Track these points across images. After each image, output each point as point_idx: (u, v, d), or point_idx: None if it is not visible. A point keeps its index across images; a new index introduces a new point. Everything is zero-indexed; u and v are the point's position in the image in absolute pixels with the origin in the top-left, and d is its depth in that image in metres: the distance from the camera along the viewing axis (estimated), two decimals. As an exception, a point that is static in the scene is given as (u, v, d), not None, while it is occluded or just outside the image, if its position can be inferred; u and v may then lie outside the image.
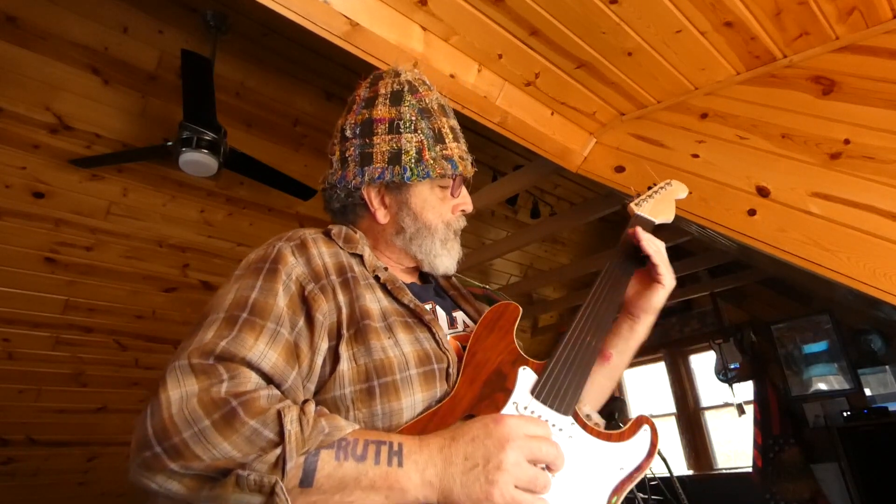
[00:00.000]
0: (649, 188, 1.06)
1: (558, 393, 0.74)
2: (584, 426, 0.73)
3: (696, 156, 1.87)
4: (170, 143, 2.38)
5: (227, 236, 3.34)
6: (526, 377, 0.75)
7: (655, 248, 0.87)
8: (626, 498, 0.71)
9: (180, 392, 0.60)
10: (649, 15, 1.57)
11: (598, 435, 0.73)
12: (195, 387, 0.61)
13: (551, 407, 0.73)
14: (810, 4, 1.50)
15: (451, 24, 1.60)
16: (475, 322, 0.88)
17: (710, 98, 1.88)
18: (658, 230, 1.04)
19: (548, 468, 0.67)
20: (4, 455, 3.34)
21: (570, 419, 0.73)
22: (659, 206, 1.01)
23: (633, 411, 5.50)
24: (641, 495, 4.05)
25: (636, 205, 1.00)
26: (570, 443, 0.71)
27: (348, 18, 1.42)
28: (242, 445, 0.58)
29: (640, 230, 0.88)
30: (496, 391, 0.74)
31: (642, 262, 0.90)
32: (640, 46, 1.69)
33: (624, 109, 2.07)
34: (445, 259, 0.90)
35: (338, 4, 1.39)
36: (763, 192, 1.70)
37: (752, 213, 1.71)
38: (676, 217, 2.04)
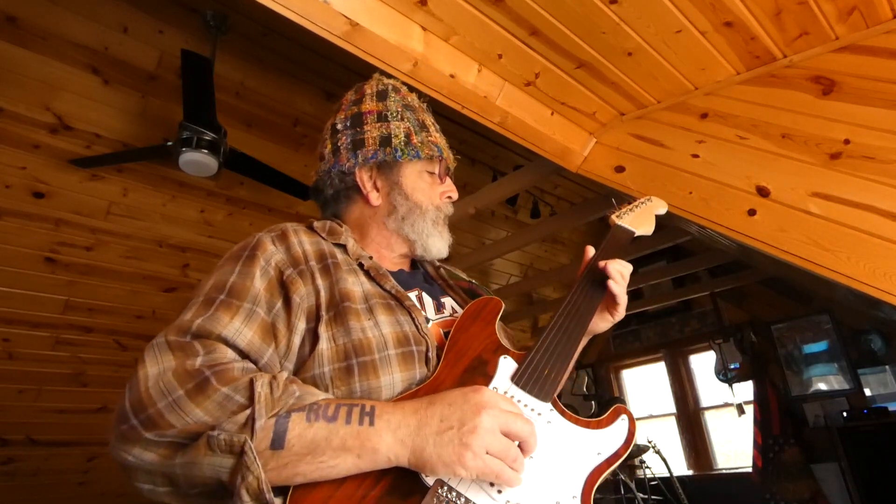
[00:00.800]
0: (630, 202, 1.11)
1: (538, 380, 0.76)
2: (563, 413, 0.75)
3: (696, 156, 1.87)
4: (170, 143, 2.38)
5: (227, 236, 3.34)
6: (507, 365, 0.78)
7: (620, 288, 0.88)
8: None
9: (158, 368, 0.62)
10: (649, 15, 1.57)
11: (577, 421, 0.75)
12: (172, 362, 0.62)
13: (531, 393, 0.75)
14: (810, 4, 1.50)
15: (451, 24, 1.60)
16: (462, 309, 0.91)
17: (710, 98, 1.88)
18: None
19: (521, 448, 0.67)
20: (4, 455, 3.34)
21: (548, 405, 0.75)
22: (639, 219, 1.06)
23: (633, 411, 5.49)
24: (641, 495, 4.06)
25: (617, 216, 1.05)
26: (549, 427, 0.73)
27: (348, 18, 1.42)
28: (214, 410, 0.59)
29: (609, 266, 0.87)
30: (477, 376, 0.75)
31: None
32: (640, 46, 1.69)
33: (624, 109, 2.07)
34: (437, 240, 0.94)
35: (338, 4, 1.39)
36: (763, 192, 1.70)
37: (752, 213, 1.71)
38: (676, 217, 2.04)
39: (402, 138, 0.92)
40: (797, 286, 4.12)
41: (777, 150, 1.70)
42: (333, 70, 2.95)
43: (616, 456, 0.72)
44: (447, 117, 3.17)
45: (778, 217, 1.66)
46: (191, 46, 2.38)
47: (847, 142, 1.58)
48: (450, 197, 0.99)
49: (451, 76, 1.69)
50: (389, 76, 1.04)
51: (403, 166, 0.92)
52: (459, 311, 0.93)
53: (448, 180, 0.99)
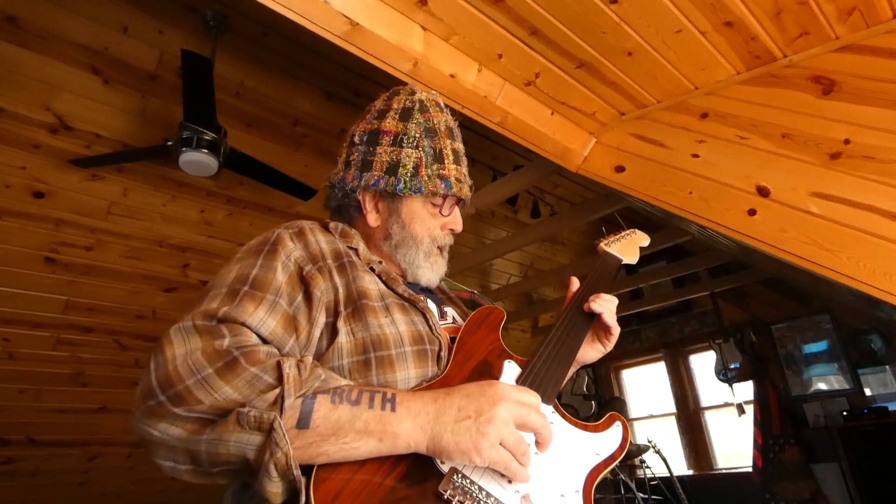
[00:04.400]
0: (616, 233, 1.19)
1: (540, 384, 0.79)
2: (564, 415, 0.80)
3: (696, 156, 1.87)
4: (170, 143, 2.38)
5: (227, 236, 3.34)
6: (511, 369, 0.81)
7: (612, 319, 0.91)
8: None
9: (185, 348, 0.63)
10: (649, 15, 1.57)
11: (576, 424, 0.80)
12: (199, 343, 0.64)
13: None
14: (810, 4, 1.50)
15: (451, 24, 1.60)
16: (463, 320, 0.94)
17: (710, 98, 1.88)
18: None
19: (536, 443, 0.71)
20: (4, 455, 3.34)
21: (550, 408, 0.79)
22: (626, 249, 1.13)
23: (633, 411, 5.50)
24: (641, 495, 4.07)
25: (606, 244, 1.11)
26: (551, 427, 0.76)
27: (348, 18, 1.43)
28: (243, 388, 0.61)
29: (594, 304, 0.91)
30: (483, 377, 0.78)
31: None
32: (640, 46, 1.69)
33: (624, 109, 2.07)
34: (427, 272, 0.95)
35: (338, 4, 1.39)
36: (763, 191, 1.70)
37: (752, 213, 1.71)
38: (677, 217, 2.04)
39: (410, 169, 0.91)
40: (797, 286, 4.12)
41: (777, 150, 1.70)
42: (333, 70, 2.95)
43: (612, 458, 0.78)
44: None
45: (778, 217, 1.66)
46: (191, 46, 2.37)
47: (847, 142, 1.58)
48: (452, 229, 0.97)
49: (452, 76, 1.69)
50: (426, 88, 1.02)
51: (405, 196, 0.92)
52: (460, 320, 0.96)
53: (455, 212, 0.97)
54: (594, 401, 5.43)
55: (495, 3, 1.52)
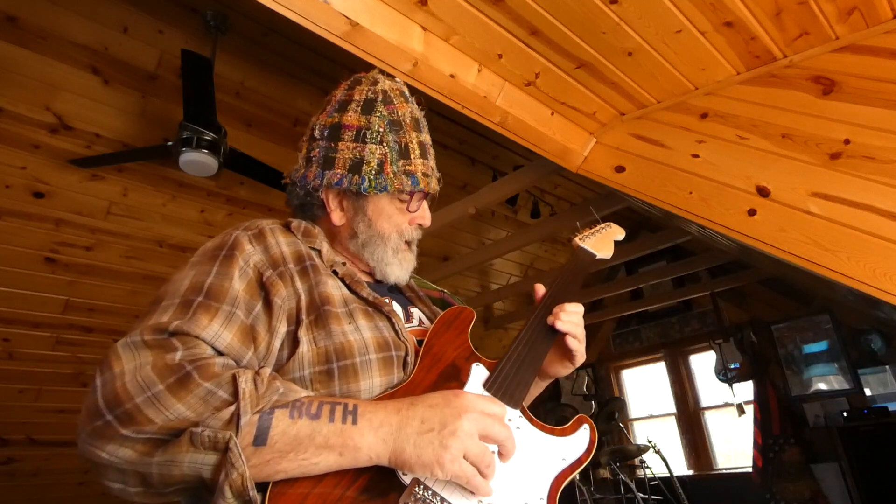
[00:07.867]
0: (591, 227, 1.16)
1: (508, 388, 0.78)
2: (531, 420, 0.78)
3: (696, 156, 1.87)
4: (170, 143, 2.38)
5: (227, 236, 3.33)
6: (479, 372, 0.80)
7: (577, 343, 0.86)
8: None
9: (134, 363, 0.60)
10: (649, 15, 1.57)
11: (543, 428, 0.79)
12: (150, 357, 0.60)
13: (501, 399, 0.77)
14: (810, 4, 1.50)
15: (451, 24, 1.60)
16: (430, 321, 0.91)
17: (710, 98, 1.88)
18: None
19: (499, 453, 0.69)
20: (4, 455, 3.34)
21: (517, 412, 0.78)
22: (600, 243, 1.10)
23: (633, 411, 5.51)
24: (641, 495, 4.06)
25: (580, 239, 1.08)
26: (518, 433, 0.76)
27: (348, 18, 1.43)
28: (196, 405, 0.58)
29: (559, 320, 0.84)
30: (451, 381, 0.77)
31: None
32: (640, 46, 1.69)
33: (624, 109, 2.07)
34: (396, 268, 0.91)
35: (338, 4, 1.39)
36: (763, 192, 1.70)
37: (752, 213, 1.71)
38: (676, 217, 2.04)
39: (374, 166, 0.87)
40: (797, 286, 4.12)
41: (777, 150, 1.70)
42: (333, 70, 2.95)
43: (579, 462, 0.76)
44: (447, 117, 3.17)
45: (778, 217, 1.66)
46: (191, 46, 2.37)
47: (847, 142, 1.58)
48: (420, 224, 0.94)
49: (452, 76, 1.69)
50: (389, 76, 0.97)
51: (371, 194, 0.88)
52: (427, 322, 0.93)
53: (423, 206, 0.93)
54: (594, 401, 5.42)
55: (495, 3, 1.52)
